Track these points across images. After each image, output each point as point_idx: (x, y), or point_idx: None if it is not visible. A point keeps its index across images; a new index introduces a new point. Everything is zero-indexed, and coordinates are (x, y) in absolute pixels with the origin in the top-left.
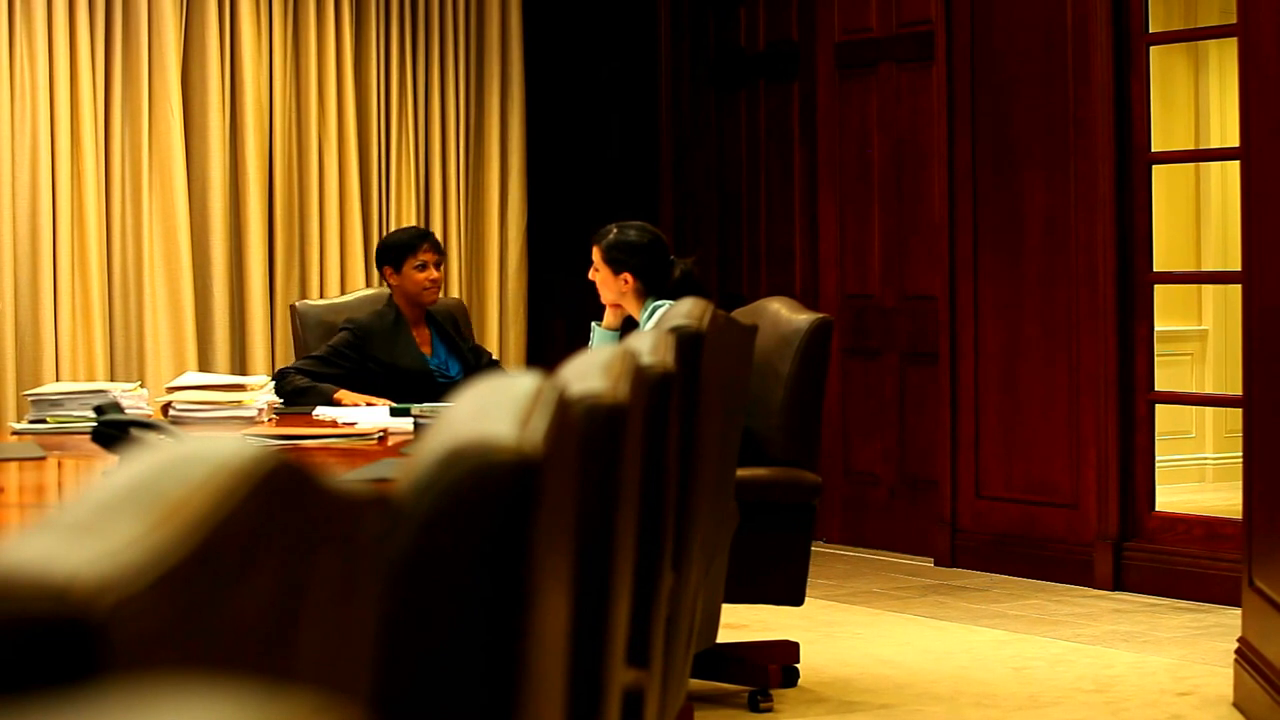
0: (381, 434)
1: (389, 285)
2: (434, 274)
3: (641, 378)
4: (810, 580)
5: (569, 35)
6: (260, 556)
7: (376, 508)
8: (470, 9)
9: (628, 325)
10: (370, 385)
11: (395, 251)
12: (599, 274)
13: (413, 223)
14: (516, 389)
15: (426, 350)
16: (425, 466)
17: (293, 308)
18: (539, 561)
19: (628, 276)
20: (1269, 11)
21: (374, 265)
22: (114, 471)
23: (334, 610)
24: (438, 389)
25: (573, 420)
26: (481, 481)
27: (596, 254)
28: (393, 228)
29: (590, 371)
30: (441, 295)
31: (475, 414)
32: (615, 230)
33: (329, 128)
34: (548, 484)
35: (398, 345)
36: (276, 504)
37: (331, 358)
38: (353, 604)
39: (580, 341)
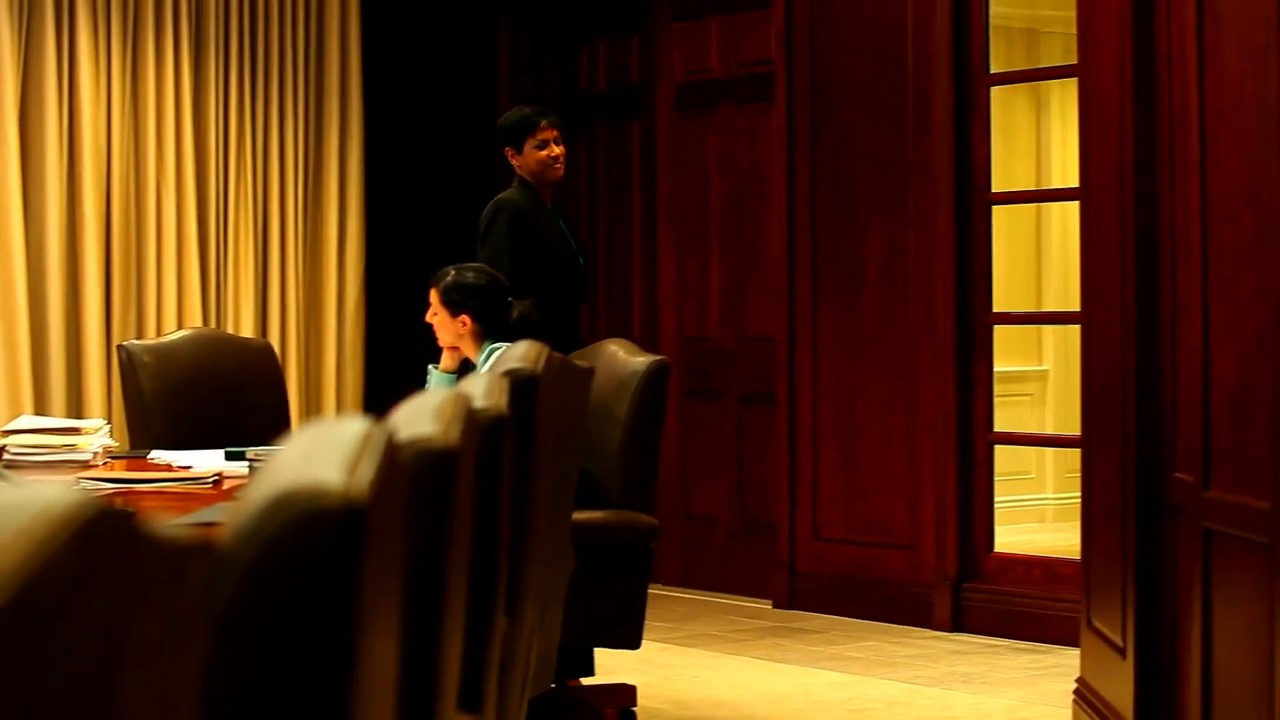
0: (216, 478)
1: (513, 166)
2: (555, 150)
3: (474, 421)
4: (648, 623)
5: (408, 76)
6: (81, 605)
7: (201, 554)
8: (309, 49)
9: (465, 368)
10: (521, 276)
11: (511, 132)
12: (437, 316)
13: (251, 264)
14: (345, 433)
15: None
16: (251, 512)
17: (120, 347)
18: (367, 607)
19: (465, 318)
20: (1109, 52)
21: (211, 305)
22: None
23: (159, 660)
24: (580, 276)
25: (402, 465)
26: (307, 527)
27: (434, 296)
28: (229, 269)
29: (421, 415)
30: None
31: (302, 459)
32: (453, 272)
33: (167, 169)
34: (375, 529)
35: (547, 223)
36: (98, 551)
37: (516, 253)
38: (178, 653)
39: (418, 384)
